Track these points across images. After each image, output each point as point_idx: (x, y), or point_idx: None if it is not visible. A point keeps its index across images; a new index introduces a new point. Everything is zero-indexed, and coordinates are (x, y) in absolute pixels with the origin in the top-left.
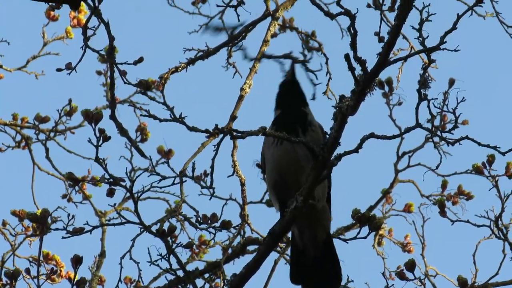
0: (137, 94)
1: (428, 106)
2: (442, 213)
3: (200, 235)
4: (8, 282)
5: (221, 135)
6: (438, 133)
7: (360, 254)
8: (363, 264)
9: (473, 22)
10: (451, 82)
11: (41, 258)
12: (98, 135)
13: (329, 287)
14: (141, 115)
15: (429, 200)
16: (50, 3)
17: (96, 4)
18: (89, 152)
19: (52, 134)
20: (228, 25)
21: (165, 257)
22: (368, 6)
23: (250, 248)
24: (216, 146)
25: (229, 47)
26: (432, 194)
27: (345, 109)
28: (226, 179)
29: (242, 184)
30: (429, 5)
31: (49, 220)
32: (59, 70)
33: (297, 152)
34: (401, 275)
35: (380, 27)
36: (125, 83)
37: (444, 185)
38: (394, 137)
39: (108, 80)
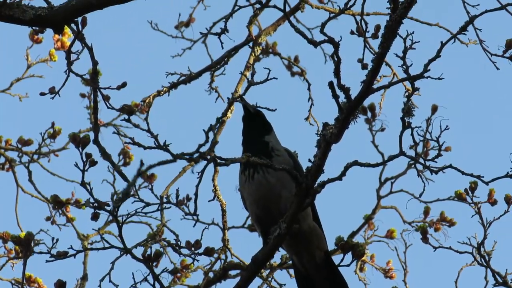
0: (121, 117)
1: (412, 134)
2: (425, 239)
3: (182, 260)
4: None
5: (204, 162)
6: (422, 161)
7: None
8: None
9: (456, 49)
10: (434, 109)
11: (24, 281)
12: (85, 159)
13: None
14: (125, 142)
15: (411, 226)
16: (34, 27)
17: (80, 29)
18: (73, 175)
19: (35, 157)
20: None
21: (147, 280)
22: (352, 33)
23: (232, 272)
24: (200, 174)
25: (212, 72)
26: (414, 220)
27: (329, 137)
28: (207, 203)
29: (223, 210)
30: (413, 32)
31: (32, 244)
32: (42, 94)
33: (270, 182)
34: None
35: (363, 54)
36: (108, 107)
37: (426, 212)
38: (377, 165)
39: (92, 103)
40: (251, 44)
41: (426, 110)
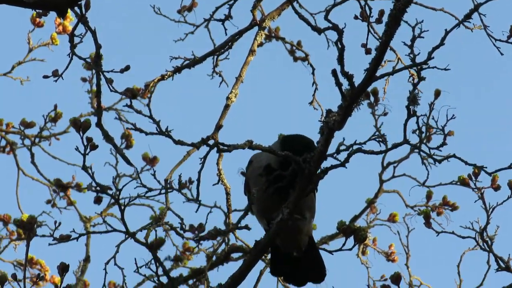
0: (123, 101)
1: (417, 122)
2: (427, 223)
3: (184, 242)
4: None
5: (207, 148)
6: (426, 150)
7: (344, 263)
8: (347, 273)
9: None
10: (437, 94)
11: (26, 263)
12: (85, 143)
13: (313, 281)
14: (127, 128)
15: (413, 210)
16: (37, 10)
17: (84, 12)
18: (74, 158)
19: (37, 140)
20: None
21: (149, 265)
22: (355, 17)
23: (235, 255)
24: (202, 159)
25: (216, 56)
26: (417, 204)
27: (332, 124)
28: (211, 186)
29: (227, 193)
30: (422, 21)
31: (35, 226)
32: (45, 77)
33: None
34: None
35: (367, 39)
36: (111, 91)
37: (429, 196)
38: (380, 152)
39: (94, 87)
40: (255, 29)
41: (430, 95)
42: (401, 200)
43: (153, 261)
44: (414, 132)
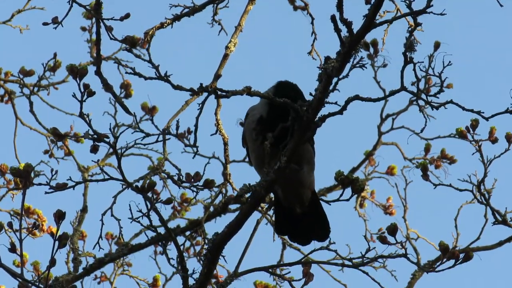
0: (122, 52)
1: (414, 70)
2: (425, 176)
3: (182, 193)
4: None
5: (205, 94)
6: (424, 96)
7: (341, 215)
8: (344, 226)
9: None
10: (437, 46)
11: (23, 212)
12: (82, 90)
13: (317, 239)
14: (126, 72)
15: (412, 163)
16: None
17: None
18: (72, 108)
19: (35, 89)
20: None
21: (146, 214)
22: None
23: (232, 207)
24: (200, 105)
25: (215, 4)
26: (415, 157)
27: (330, 71)
28: (209, 137)
29: (225, 143)
30: None
31: (32, 175)
32: (45, 24)
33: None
34: (382, 239)
35: None
36: (111, 38)
37: (427, 149)
38: (379, 99)
39: (93, 37)
40: None
41: (429, 47)
42: (399, 152)
43: (148, 207)
44: (413, 84)
